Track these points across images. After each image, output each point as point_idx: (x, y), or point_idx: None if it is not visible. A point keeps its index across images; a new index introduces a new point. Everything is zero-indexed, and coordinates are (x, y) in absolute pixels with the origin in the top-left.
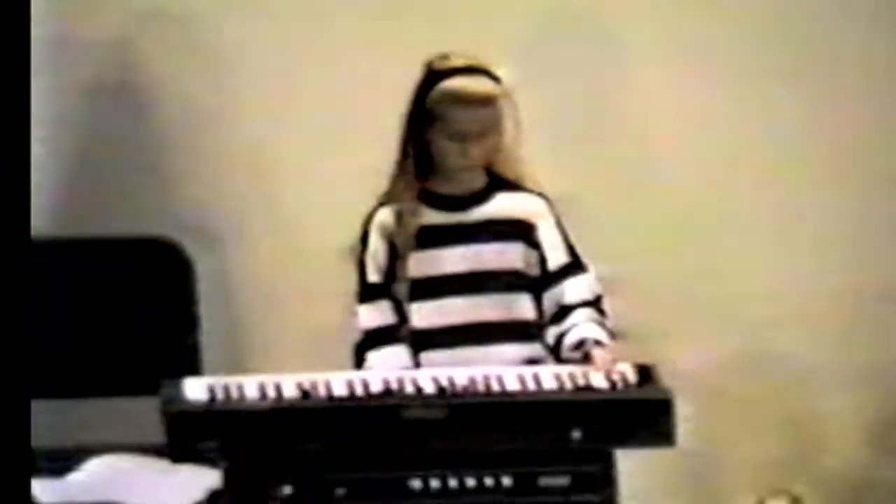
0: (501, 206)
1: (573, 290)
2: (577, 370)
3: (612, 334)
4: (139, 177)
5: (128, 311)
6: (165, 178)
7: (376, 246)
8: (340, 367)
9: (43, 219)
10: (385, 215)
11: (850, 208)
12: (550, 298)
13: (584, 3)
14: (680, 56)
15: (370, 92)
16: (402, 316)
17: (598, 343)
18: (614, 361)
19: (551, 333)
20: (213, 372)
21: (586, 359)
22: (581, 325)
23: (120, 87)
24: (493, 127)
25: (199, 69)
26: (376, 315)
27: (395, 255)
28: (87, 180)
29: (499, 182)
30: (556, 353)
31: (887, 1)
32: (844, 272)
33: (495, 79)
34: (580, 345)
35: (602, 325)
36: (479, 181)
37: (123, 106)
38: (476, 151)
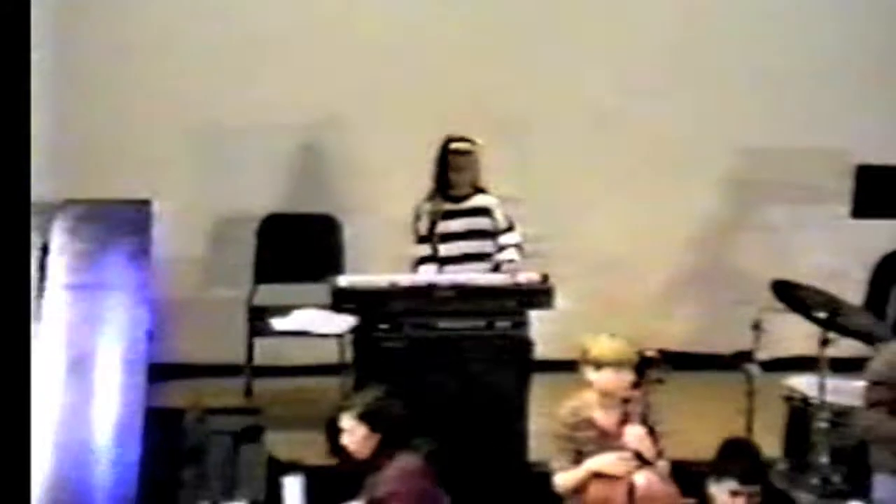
0: (479, 201)
1: (508, 238)
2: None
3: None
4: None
5: (309, 247)
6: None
7: (422, 218)
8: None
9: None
10: (426, 205)
11: None
12: (497, 243)
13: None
14: None
15: (425, 153)
16: (436, 251)
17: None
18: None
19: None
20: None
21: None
22: (504, 252)
23: None
24: (472, 165)
25: None
26: (423, 250)
27: (433, 223)
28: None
29: (477, 189)
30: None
31: None
32: None
33: (474, 143)
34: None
35: (518, 249)
36: (468, 190)
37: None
38: (465, 177)
